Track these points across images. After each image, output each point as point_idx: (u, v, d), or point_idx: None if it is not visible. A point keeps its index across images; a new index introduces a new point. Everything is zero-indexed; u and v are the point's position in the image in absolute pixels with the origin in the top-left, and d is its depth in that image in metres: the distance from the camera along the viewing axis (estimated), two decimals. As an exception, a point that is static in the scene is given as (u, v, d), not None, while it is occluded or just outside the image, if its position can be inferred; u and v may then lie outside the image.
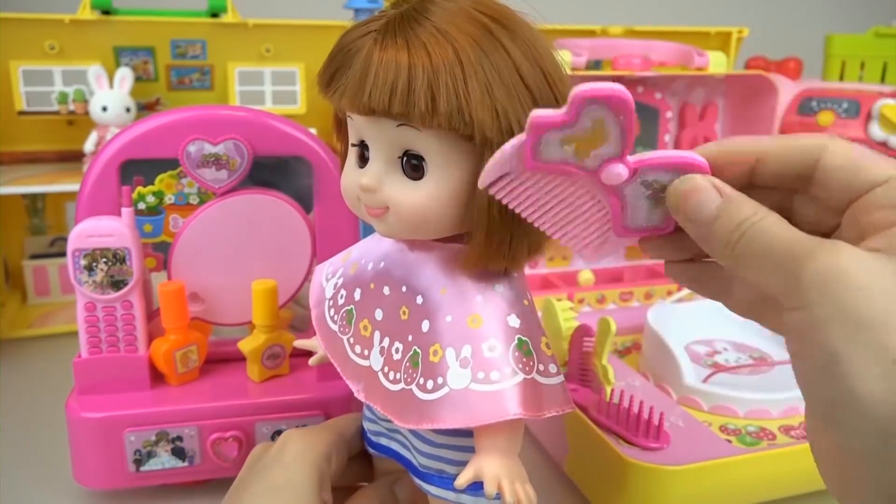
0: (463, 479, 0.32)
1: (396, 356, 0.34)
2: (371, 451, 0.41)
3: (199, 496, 0.50)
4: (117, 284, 0.46)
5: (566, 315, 0.52)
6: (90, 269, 0.46)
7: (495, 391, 0.31)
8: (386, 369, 0.35)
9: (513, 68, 0.30)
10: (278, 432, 0.48)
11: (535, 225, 0.29)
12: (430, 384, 0.32)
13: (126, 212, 0.47)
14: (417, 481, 0.38)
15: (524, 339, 0.33)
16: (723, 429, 0.51)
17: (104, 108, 0.78)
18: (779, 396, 0.53)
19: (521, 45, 0.30)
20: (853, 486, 0.22)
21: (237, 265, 0.50)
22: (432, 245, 0.35)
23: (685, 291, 0.73)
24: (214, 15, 0.83)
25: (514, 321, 0.33)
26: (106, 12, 0.79)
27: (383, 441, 0.40)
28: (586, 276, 0.73)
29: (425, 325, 0.33)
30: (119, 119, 0.78)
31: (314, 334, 0.41)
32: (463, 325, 0.32)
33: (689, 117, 0.79)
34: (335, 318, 0.38)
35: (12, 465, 0.53)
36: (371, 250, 0.38)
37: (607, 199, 0.27)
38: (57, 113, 0.79)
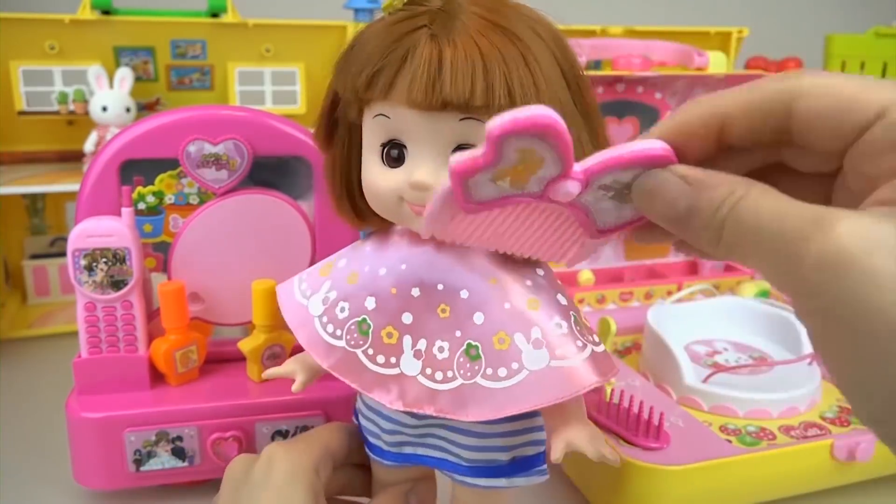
0: (559, 453, 0.34)
1: (442, 355, 0.34)
2: (388, 463, 0.39)
3: (199, 496, 0.50)
4: (117, 284, 0.46)
5: (566, 315, 0.52)
6: (90, 269, 0.46)
7: (575, 365, 0.33)
8: (429, 371, 0.34)
9: (553, 60, 0.32)
10: (278, 432, 0.48)
11: (506, 251, 0.29)
12: (502, 371, 0.33)
13: (126, 212, 0.47)
14: (461, 478, 0.37)
15: (574, 313, 0.35)
16: (723, 429, 0.51)
17: (104, 108, 0.78)
18: (779, 396, 0.53)
19: (550, 38, 0.32)
20: None
21: (237, 265, 0.50)
22: None
23: (685, 291, 0.73)
24: (214, 15, 0.83)
25: (563, 299, 0.35)
26: (106, 12, 0.79)
27: (407, 450, 0.38)
28: (586, 276, 0.73)
29: (478, 318, 0.34)
30: (119, 119, 0.78)
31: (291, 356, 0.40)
32: (523, 309, 0.34)
33: (689, 117, 0.79)
34: (338, 333, 0.36)
35: (12, 465, 0.53)
36: (370, 257, 0.37)
37: (568, 211, 0.25)
38: (57, 113, 0.79)
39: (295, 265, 0.51)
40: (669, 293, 0.74)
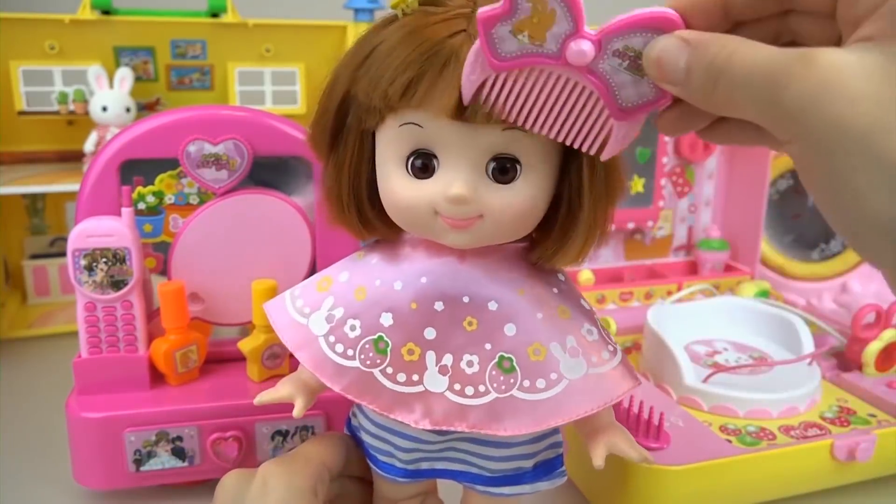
0: (601, 459, 0.34)
1: (471, 369, 0.33)
2: (401, 480, 0.38)
3: (199, 496, 0.50)
4: (117, 284, 0.46)
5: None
6: (90, 269, 0.46)
7: (611, 370, 0.34)
8: (457, 386, 0.33)
9: None
10: (278, 432, 0.48)
11: (537, 130, 0.28)
12: (540, 383, 0.33)
13: (126, 212, 0.47)
14: (483, 488, 0.37)
15: (598, 317, 0.35)
16: (723, 429, 0.51)
17: (104, 108, 0.78)
18: (779, 396, 0.53)
19: None
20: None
21: (237, 265, 0.50)
22: (488, 250, 0.34)
23: (685, 291, 0.73)
24: (214, 15, 0.83)
25: (585, 304, 0.35)
26: (106, 12, 0.79)
27: (424, 465, 0.37)
28: (586, 275, 0.73)
29: (510, 329, 0.33)
30: (119, 119, 0.78)
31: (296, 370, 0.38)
32: (555, 318, 0.34)
33: (689, 117, 0.79)
34: (350, 352, 0.34)
35: (12, 465, 0.53)
36: (379, 270, 0.35)
37: (590, 84, 0.26)
38: (57, 113, 0.79)
39: (295, 265, 0.51)
40: (669, 293, 0.74)
